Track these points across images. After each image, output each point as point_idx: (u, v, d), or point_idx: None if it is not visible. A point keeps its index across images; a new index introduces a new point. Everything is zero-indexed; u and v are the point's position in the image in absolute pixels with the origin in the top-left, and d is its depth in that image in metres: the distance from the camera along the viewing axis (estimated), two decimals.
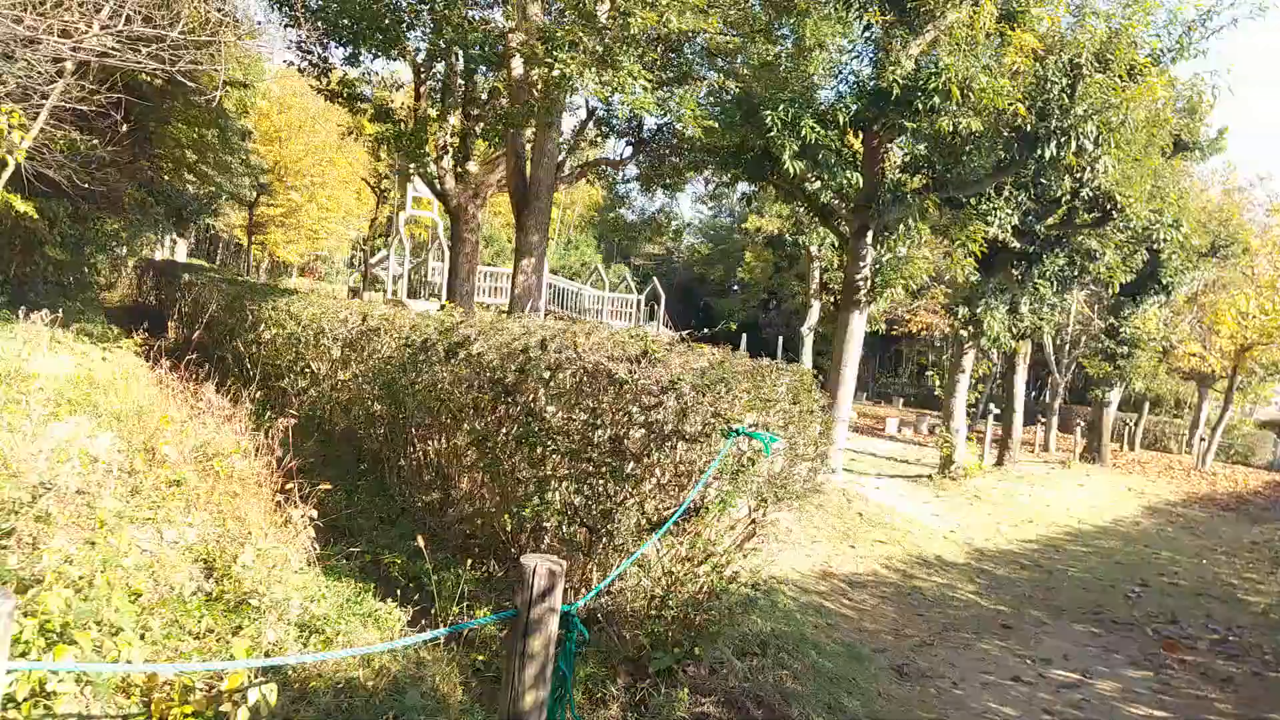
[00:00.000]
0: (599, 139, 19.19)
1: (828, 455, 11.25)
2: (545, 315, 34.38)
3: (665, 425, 4.08)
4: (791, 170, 9.41)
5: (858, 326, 11.42)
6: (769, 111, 9.12)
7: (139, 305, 23.96)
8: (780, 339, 34.22)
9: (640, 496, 4.17)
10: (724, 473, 3.97)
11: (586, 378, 4.45)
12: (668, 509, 4.09)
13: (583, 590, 4.29)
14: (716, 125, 9.10)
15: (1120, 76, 9.51)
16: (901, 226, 10.63)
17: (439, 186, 15.27)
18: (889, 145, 10.77)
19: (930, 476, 15.15)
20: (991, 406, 18.28)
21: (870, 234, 11.12)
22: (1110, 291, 17.17)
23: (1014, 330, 14.62)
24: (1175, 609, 8.55)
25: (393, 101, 15.56)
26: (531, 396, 4.83)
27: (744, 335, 37.21)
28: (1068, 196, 13.10)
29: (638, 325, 37.56)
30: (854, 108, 9.49)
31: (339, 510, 7.13)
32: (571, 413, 4.55)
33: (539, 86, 10.30)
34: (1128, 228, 13.63)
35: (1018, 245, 13.72)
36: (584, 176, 17.89)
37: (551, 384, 4.62)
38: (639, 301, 38.89)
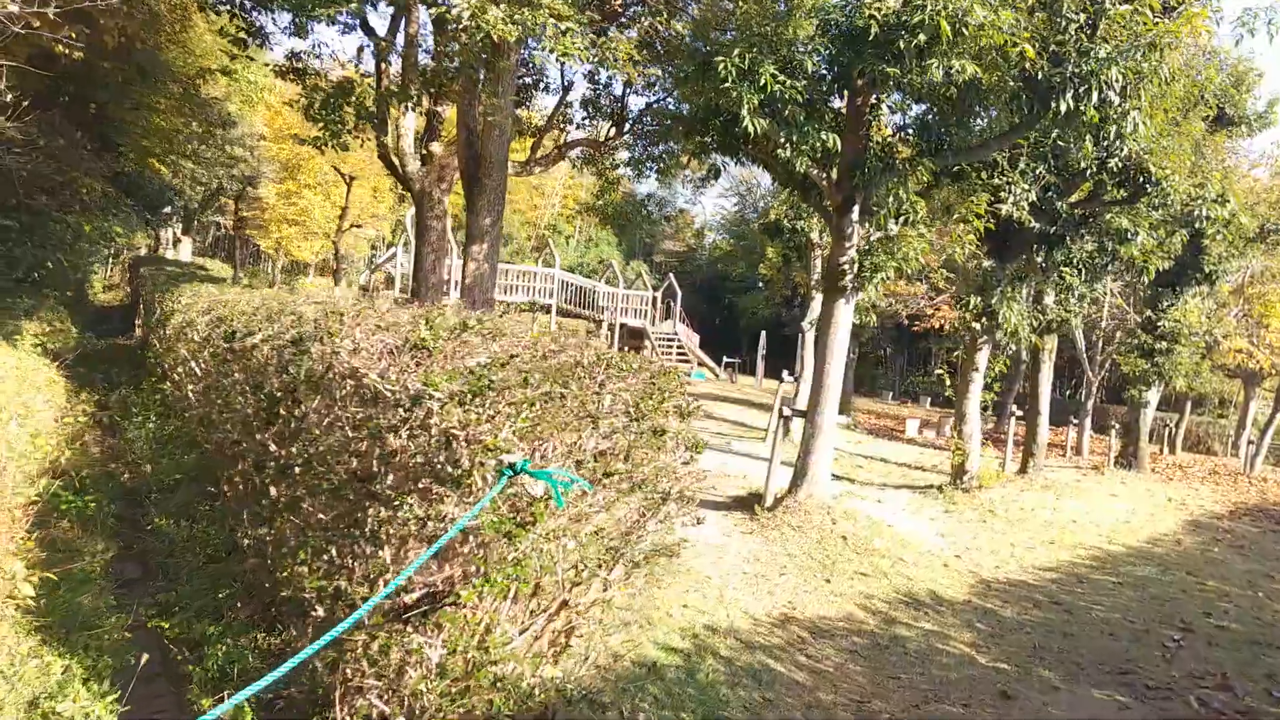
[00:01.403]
0: (586, 121, 17.74)
1: (807, 471, 9.69)
2: (554, 315, 33.22)
3: (414, 457, 2.58)
4: (752, 129, 7.83)
5: (844, 316, 9.81)
6: (722, 58, 7.57)
7: (129, 304, 22.91)
8: (800, 337, 32.60)
9: (377, 567, 2.67)
10: (495, 531, 2.46)
11: (338, 382, 2.97)
12: (418, 590, 2.59)
13: None
14: (659, 73, 7.56)
15: (1151, 8, 7.83)
16: (891, 200, 9.00)
17: (401, 170, 13.88)
18: (876, 103, 9.15)
19: (940, 488, 13.46)
20: (1014, 408, 16.51)
21: (857, 209, 9.51)
22: (1146, 279, 15.34)
23: (1035, 323, 12.89)
24: (1227, 665, 6.87)
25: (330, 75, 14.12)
26: (292, 409, 3.37)
27: (763, 334, 35.63)
28: (1094, 168, 11.37)
29: (652, 324, 36.19)
30: (825, 53, 7.90)
31: (166, 545, 5.76)
32: (328, 434, 3.08)
33: (461, 39, 8.85)
34: (1164, 204, 11.85)
35: (1037, 226, 12.00)
36: (561, 158, 16.39)
37: (301, 391, 3.14)
38: (655, 299, 37.41)
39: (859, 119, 9.10)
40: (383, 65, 14.00)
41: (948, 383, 13.17)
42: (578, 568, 2.70)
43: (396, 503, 2.56)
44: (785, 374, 17.92)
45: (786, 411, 10.19)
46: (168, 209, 25.27)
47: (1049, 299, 15.85)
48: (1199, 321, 19.17)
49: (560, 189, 54.03)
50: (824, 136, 8.31)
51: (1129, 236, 12.16)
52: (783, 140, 8.37)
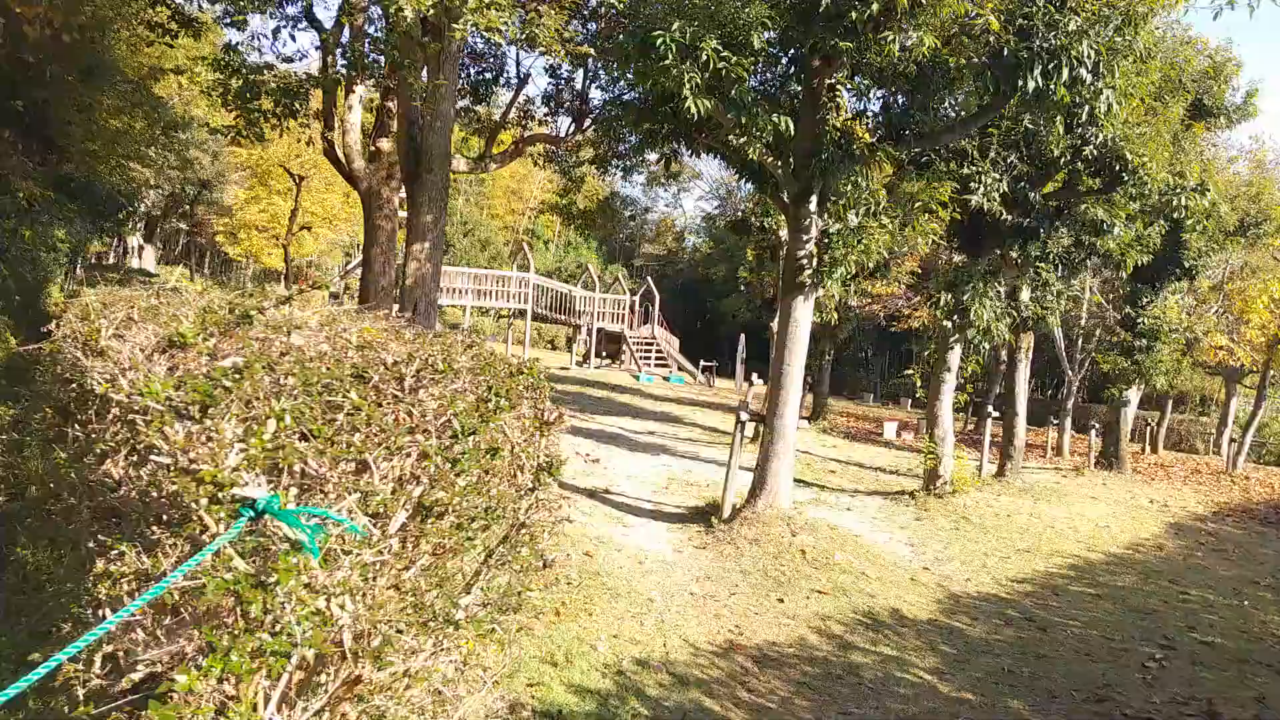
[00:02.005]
0: (549, 117, 17.09)
1: (766, 482, 9.06)
2: (529, 319, 32.45)
3: (132, 491, 1.93)
4: (695, 110, 7.20)
5: (803, 314, 9.19)
6: (660, 33, 6.94)
7: None
8: (771, 339, 31.91)
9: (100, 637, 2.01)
10: (223, 592, 1.80)
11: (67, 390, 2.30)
12: (140, 670, 1.93)
13: None
14: (591, 51, 6.92)
15: None
16: (850, 188, 8.39)
17: (347, 168, 13.19)
18: (834, 85, 8.54)
19: (913, 494, 12.87)
20: (991, 409, 15.97)
21: (815, 200, 8.90)
22: (1124, 275, 14.83)
23: (1010, 319, 12.32)
24: (1212, 687, 6.28)
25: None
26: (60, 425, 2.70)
27: (742, 337, 35.02)
28: (1068, 156, 10.82)
29: (630, 328, 35.52)
30: (774, 26, 7.26)
31: None
32: (76, 460, 2.42)
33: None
34: (1142, 194, 11.31)
35: (1009, 218, 11.44)
36: (519, 154, 15.73)
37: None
38: (633, 303, 36.74)
39: (815, 102, 8.49)
40: (329, 58, 13.33)
41: (919, 384, 12.56)
42: (366, 635, 2.05)
43: (115, 552, 1.92)
44: (754, 377, 17.30)
45: (743, 415, 9.56)
46: (120, 214, 24.36)
47: (1025, 295, 15.31)
48: (1179, 318, 18.71)
49: (538, 193, 53.42)
50: (775, 119, 7.68)
51: (1105, 228, 11.62)
52: (732, 123, 7.75)
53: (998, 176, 10.76)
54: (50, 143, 18.03)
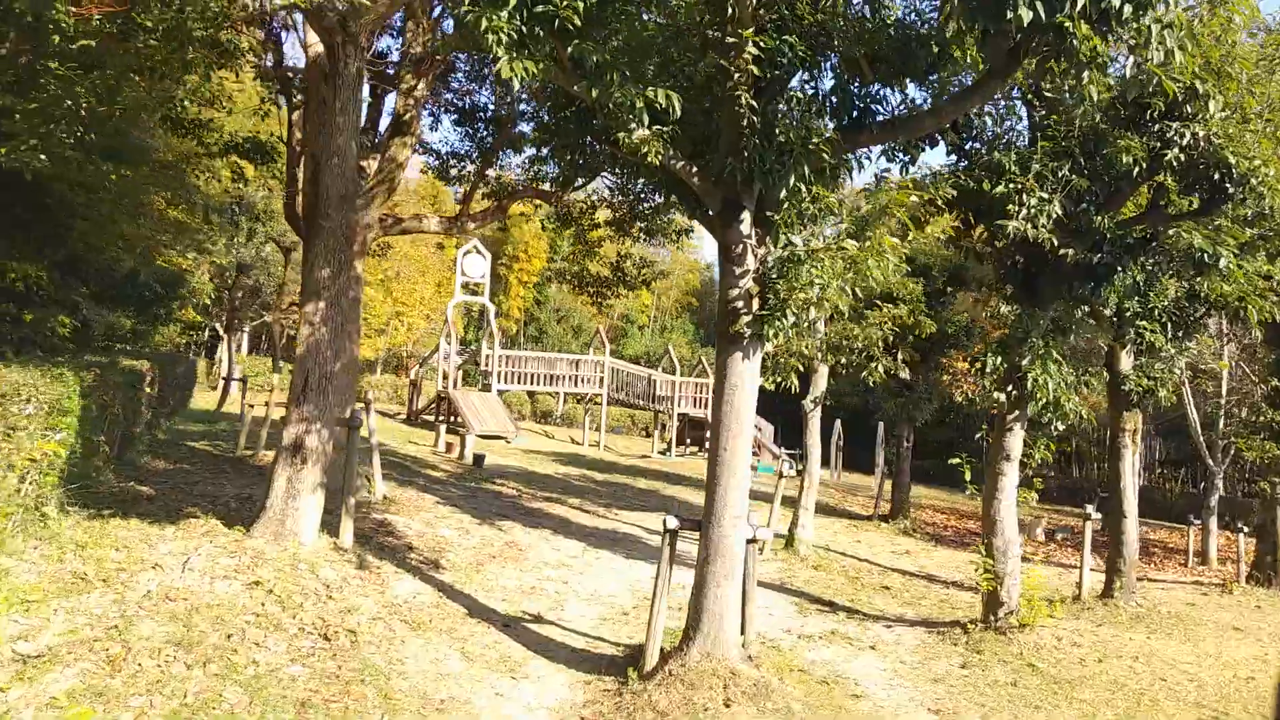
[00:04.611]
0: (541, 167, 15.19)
1: (715, 610, 6.35)
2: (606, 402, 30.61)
3: None
4: (512, 75, 4.89)
5: (745, 377, 6.51)
6: None
7: None
8: (880, 424, 28.45)
9: None
10: None
11: None
12: None
13: None
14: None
15: None
16: (784, 193, 5.83)
17: (303, 227, 11.62)
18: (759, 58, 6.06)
19: (965, 627, 9.63)
20: (1090, 510, 12.47)
21: (748, 217, 6.35)
22: (1253, 333, 11.36)
23: (1126, 391, 9.17)
24: None
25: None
26: None
27: (837, 423, 31.63)
28: (1142, 166, 7.87)
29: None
30: None
31: None
32: None
33: None
34: (1261, 215, 8.18)
35: (1070, 253, 8.47)
36: (502, 212, 13.80)
37: None
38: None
39: (728, 76, 6.01)
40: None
41: (968, 477, 9.49)
42: None
43: None
44: (785, 464, 14.39)
45: (671, 523, 6.86)
46: (160, 301, 23.93)
47: (1124, 364, 12.01)
48: None
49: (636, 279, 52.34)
50: (651, 93, 5.28)
51: (1208, 262, 8.44)
52: (597, 100, 5.39)
53: (1046, 195, 7.89)
54: (59, 222, 17.28)
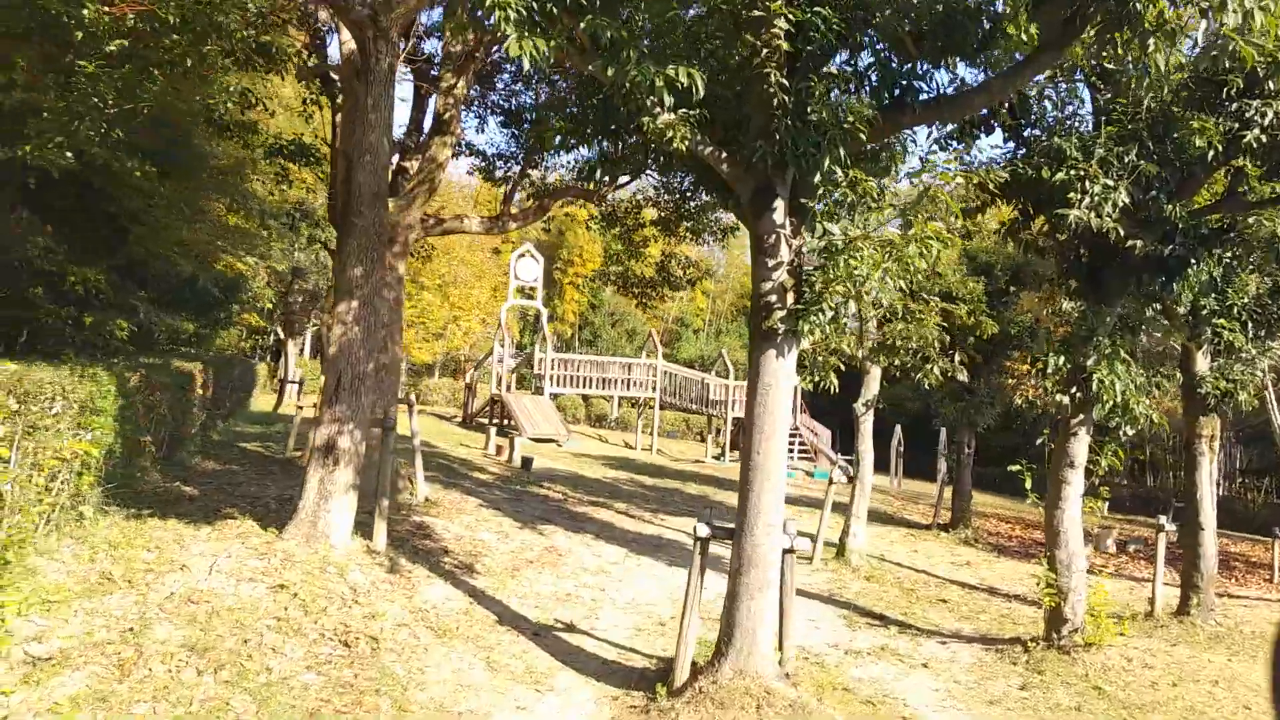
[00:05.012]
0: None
1: (746, 629, 5.98)
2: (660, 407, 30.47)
3: None
4: (522, 54, 4.60)
5: (779, 370, 6.10)
6: None
7: None
8: (942, 430, 27.57)
9: None
10: None
11: None
12: None
13: None
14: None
15: None
16: (818, 178, 5.43)
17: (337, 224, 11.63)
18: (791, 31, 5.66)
19: (1026, 645, 9.02)
20: (1164, 520, 11.69)
21: (780, 206, 5.96)
22: None
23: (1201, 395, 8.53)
24: None
25: None
26: None
27: (898, 428, 30.88)
28: (1219, 149, 7.25)
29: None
30: None
31: None
32: None
33: None
34: None
35: (1139, 244, 7.86)
36: (544, 211, 13.59)
37: None
38: None
39: (762, 58, 5.63)
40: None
41: (1028, 485, 8.91)
42: None
43: None
44: (837, 471, 13.84)
45: (702, 530, 6.49)
46: (218, 305, 24.37)
47: (1201, 365, 11.25)
48: None
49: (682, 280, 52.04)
50: (673, 71, 4.94)
51: None
52: (608, 77, 5.08)
53: (1111, 183, 7.31)
54: (118, 228, 17.62)
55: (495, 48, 12.32)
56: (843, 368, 7.35)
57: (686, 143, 5.61)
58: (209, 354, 19.95)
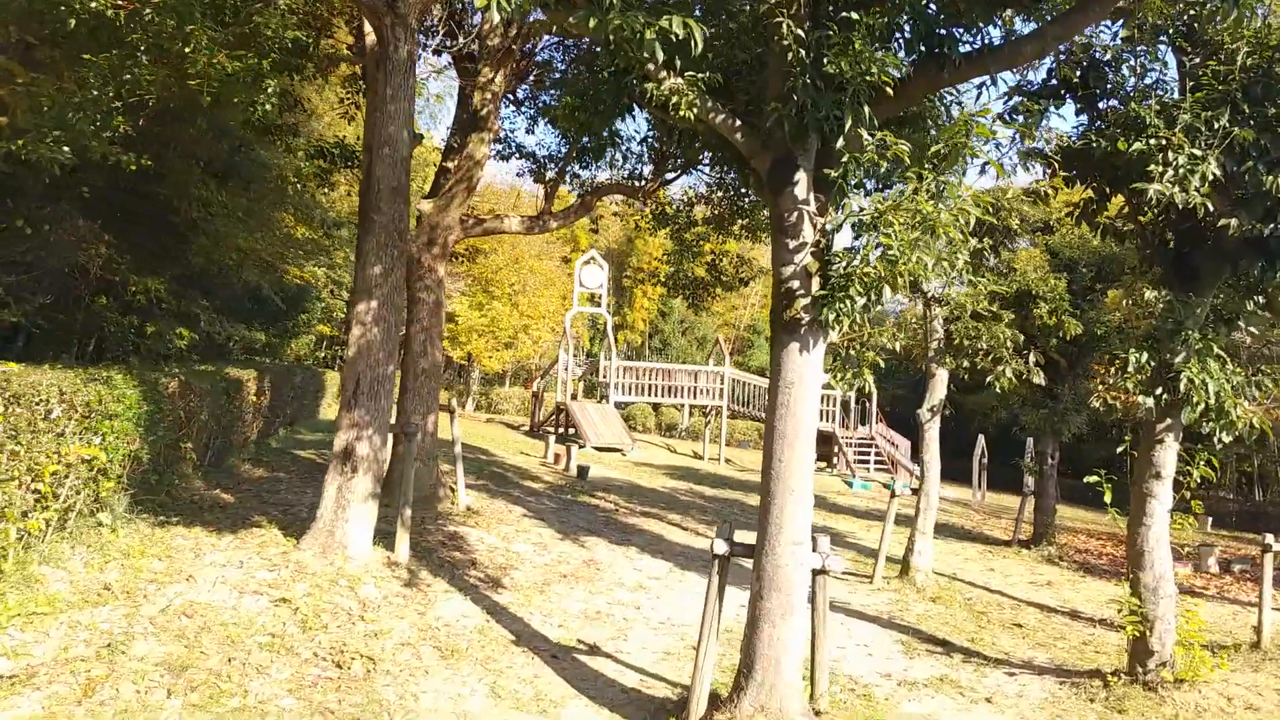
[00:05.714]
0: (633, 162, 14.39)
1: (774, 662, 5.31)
2: (726, 414, 29.76)
3: None
4: (498, 8, 4.04)
5: (803, 366, 5.39)
6: None
7: None
8: (1028, 440, 26.00)
9: None
10: None
11: None
12: None
13: None
14: None
15: None
16: (841, 140, 4.72)
17: None
18: None
19: (1106, 679, 8.00)
20: (1270, 539, 10.42)
21: (803, 178, 5.26)
22: None
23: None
24: None
25: None
26: None
27: (980, 438, 29.30)
28: None
29: (843, 428, 31.18)
30: None
31: None
32: None
33: None
34: None
35: (1234, 223, 6.85)
36: (588, 209, 13.08)
37: None
38: (848, 400, 32.51)
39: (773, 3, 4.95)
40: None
41: (1107, 496, 7.92)
42: None
43: None
44: (899, 483, 12.87)
45: (720, 547, 5.79)
46: (288, 314, 24.70)
47: None
48: None
49: (761, 288, 51.02)
50: (666, 22, 4.32)
51: None
52: (590, 30, 4.48)
53: (1198, 153, 6.36)
54: (182, 237, 17.82)
55: (532, 43, 11.90)
56: (881, 364, 6.55)
57: (695, 110, 4.98)
58: (266, 362, 20.01)
